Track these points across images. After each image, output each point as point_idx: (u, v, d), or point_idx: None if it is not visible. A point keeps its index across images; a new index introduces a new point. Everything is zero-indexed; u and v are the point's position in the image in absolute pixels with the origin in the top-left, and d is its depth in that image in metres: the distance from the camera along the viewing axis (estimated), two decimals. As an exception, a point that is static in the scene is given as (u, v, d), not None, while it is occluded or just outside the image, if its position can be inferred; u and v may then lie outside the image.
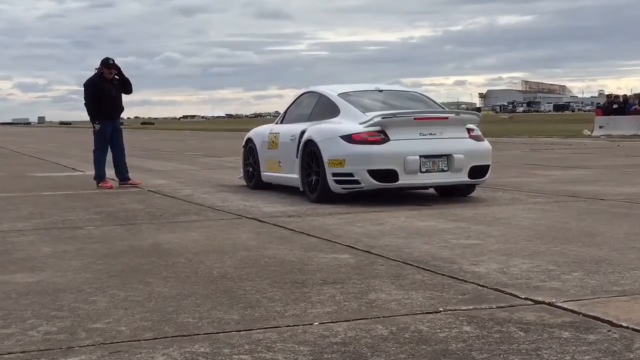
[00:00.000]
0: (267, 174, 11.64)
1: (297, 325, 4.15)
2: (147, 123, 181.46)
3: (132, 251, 6.56)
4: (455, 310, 4.42)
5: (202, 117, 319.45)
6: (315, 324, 4.18)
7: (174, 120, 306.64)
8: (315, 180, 9.99)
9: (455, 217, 8.34)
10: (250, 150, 12.23)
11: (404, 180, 9.55)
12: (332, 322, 4.21)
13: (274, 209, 9.43)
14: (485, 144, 10.25)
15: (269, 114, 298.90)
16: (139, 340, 3.92)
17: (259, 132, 12.27)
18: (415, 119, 9.77)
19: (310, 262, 5.92)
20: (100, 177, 12.82)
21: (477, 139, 10.18)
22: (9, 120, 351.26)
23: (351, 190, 9.72)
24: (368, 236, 7.17)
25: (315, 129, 10.23)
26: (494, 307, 4.49)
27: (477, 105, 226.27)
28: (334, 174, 9.64)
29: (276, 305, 4.60)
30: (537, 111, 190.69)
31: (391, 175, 9.49)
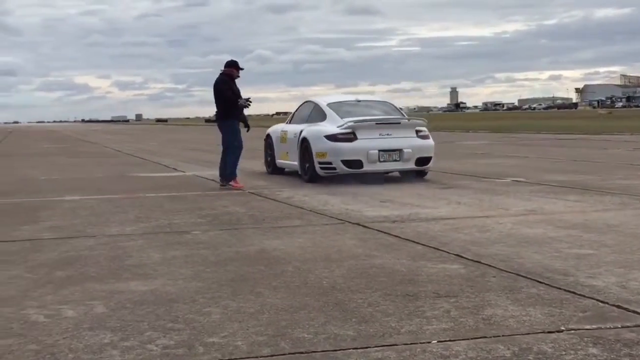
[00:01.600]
0: (279, 162, 15.13)
1: (415, 344, 4.07)
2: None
3: (240, 258, 6.58)
4: (578, 329, 4.26)
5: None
6: (434, 342, 4.09)
7: (267, 117, 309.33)
8: (308, 166, 13.38)
9: (565, 224, 8.09)
10: (269, 143, 15.68)
11: (367, 167, 12.92)
12: (450, 340, 4.11)
13: (377, 213, 9.36)
14: (429, 142, 13.43)
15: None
16: (257, 357, 3.91)
17: (275, 130, 15.71)
18: (376, 123, 13.13)
19: (420, 273, 5.82)
20: (233, 175, 12.95)
21: (423, 137, 13.39)
22: (108, 118, 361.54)
23: (330, 174, 13.08)
24: (475, 244, 7.03)
25: (308, 130, 13.60)
26: (619, 326, 4.31)
27: (574, 101, 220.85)
28: (319, 163, 13.05)
29: (390, 320, 4.52)
30: (637, 106, 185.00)
31: (358, 163, 12.83)
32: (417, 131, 13.37)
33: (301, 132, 13.73)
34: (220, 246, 7.20)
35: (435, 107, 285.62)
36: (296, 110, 15.45)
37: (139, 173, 16.90)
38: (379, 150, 12.83)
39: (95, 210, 10.24)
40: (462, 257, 6.43)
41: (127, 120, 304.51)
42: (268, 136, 15.71)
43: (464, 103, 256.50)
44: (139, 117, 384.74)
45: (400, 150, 12.97)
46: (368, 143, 12.81)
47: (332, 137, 12.91)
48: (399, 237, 7.55)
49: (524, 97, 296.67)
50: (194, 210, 10.05)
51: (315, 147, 13.07)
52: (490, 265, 6.04)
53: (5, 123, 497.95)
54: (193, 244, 7.40)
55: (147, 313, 4.82)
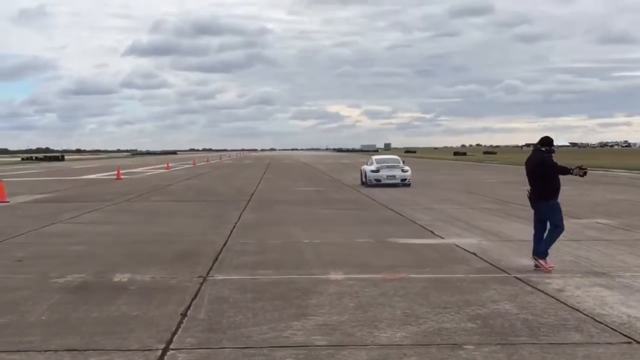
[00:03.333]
0: (362, 180, 39.83)
1: None
2: (490, 152, 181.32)
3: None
4: None
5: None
6: None
7: (515, 148, 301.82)
8: (365, 182, 38.91)
9: None
10: (360, 172, 41.67)
11: (382, 182, 37.49)
12: None
13: (665, 326, 8.51)
14: (407, 173, 38.17)
15: (617, 144, 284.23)
16: None
17: (363, 168, 40.81)
18: (386, 166, 38.68)
19: None
20: (540, 253, 12.70)
21: (404, 171, 38.27)
22: (358, 147, 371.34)
23: (371, 184, 37.62)
24: None
25: (367, 168, 39.57)
26: None
27: None
28: (368, 180, 38.18)
29: None
30: None
31: (379, 180, 37.60)
32: (402, 169, 38.16)
33: (364, 169, 39.68)
34: (499, 375, 6.78)
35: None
36: (368, 160, 41.97)
37: (396, 238, 16.79)
38: (387, 175, 37.51)
39: (361, 299, 10.14)
40: None
41: (377, 150, 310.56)
42: (360, 170, 41.63)
43: None
44: (387, 147, 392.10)
45: (394, 176, 37.57)
46: (383, 173, 37.65)
47: (371, 171, 38.10)
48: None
49: None
50: (462, 306, 9.67)
51: (367, 175, 38.39)
52: None
53: (262, 150, 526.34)
54: (469, 368, 7.03)
55: None
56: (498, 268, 12.60)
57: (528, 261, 13.36)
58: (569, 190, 34.25)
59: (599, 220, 20.01)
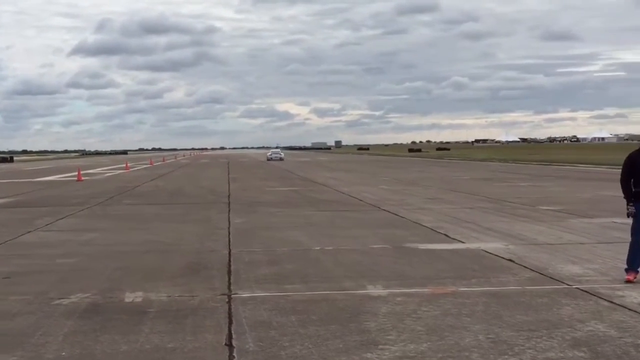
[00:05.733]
0: (267, 159, 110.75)
1: None
2: (443, 149, 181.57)
3: None
4: None
5: (496, 141, 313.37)
6: None
7: (466, 144, 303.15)
8: (268, 159, 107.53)
9: None
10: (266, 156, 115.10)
11: (273, 160, 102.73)
12: None
13: None
14: (283, 155, 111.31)
15: (566, 139, 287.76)
16: None
17: (267, 154, 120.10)
18: (274, 153, 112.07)
19: None
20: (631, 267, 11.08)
21: (281, 154, 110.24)
22: (309, 145, 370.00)
23: (269, 160, 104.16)
24: None
25: (267, 153, 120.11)
26: None
27: None
28: (268, 158, 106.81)
29: None
30: None
31: (271, 159, 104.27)
32: (280, 155, 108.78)
33: (267, 154, 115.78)
34: None
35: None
36: (268, 151, 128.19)
37: (413, 243, 15.47)
38: (274, 157, 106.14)
39: (426, 321, 8.73)
40: None
41: (329, 148, 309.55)
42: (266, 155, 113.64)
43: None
44: (338, 144, 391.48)
45: (277, 157, 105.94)
46: (273, 155, 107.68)
47: (269, 155, 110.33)
48: None
49: None
50: (549, 327, 8.34)
51: (267, 156, 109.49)
52: None
53: (213, 149, 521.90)
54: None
55: None
56: (551, 278, 11.33)
57: (575, 268, 12.15)
58: (553, 187, 33.41)
59: (615, 220, 18.87)
